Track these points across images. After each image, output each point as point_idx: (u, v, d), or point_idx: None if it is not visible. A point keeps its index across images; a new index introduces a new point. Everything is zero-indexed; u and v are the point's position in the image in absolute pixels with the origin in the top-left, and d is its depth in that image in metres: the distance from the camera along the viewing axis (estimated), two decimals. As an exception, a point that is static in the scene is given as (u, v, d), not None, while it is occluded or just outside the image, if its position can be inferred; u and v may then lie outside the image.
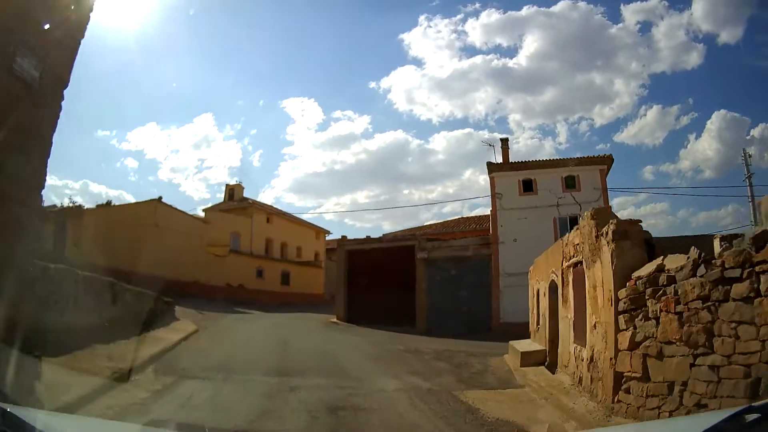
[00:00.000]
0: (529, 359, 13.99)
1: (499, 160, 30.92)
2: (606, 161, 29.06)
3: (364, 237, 31.73)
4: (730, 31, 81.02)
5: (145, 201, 37.15)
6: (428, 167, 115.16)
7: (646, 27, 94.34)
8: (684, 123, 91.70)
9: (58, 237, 37.48)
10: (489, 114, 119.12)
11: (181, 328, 18.66)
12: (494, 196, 29.04)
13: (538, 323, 16.06)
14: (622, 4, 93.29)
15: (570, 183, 28.47)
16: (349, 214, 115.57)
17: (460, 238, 30.56)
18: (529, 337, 17.16)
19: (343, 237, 31.21)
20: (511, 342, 16.51)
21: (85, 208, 35.85)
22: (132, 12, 60.90)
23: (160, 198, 37.44)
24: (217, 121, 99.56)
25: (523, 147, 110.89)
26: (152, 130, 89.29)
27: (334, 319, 29.35)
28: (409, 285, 28.45)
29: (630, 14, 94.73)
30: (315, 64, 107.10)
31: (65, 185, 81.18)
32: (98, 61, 64.77)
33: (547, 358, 13.58)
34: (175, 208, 38.45)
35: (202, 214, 43.84)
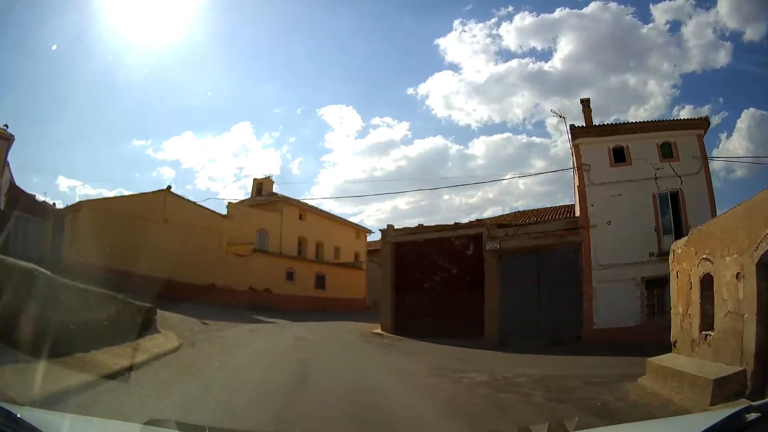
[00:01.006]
0: (723, 389, 7.71)
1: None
2: (703, 125, 22.16)
3: (416, 225, 25.00)
4: (755, 27, 78.63)
5: (152, 192, 31.45)
6: (468, 172, 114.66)
7: (675, 26, 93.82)
8: (715, 123, 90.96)
9: (56, 236, 32.37)
10: (527, 118, 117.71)
11: (151, 345, 12.58)
12: (581, 167, 22.05)
13: (705, 327, 9.53)
14: (651, 4, 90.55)
15: (666, 151, 21.65)
16: (392, 218, 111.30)
17: (538, 223, 23.43)
18: (670, 349, 11.41)
19: (389, 226, 24.57)
20: (653, 359, 10.84)
21: (82, 201, 30.29)
22: (166, 21, 60.55)
23: (170, 188, 31.75)
24: (255, 130, 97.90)
25: (561, 150, 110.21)
26: (188, 139, 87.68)
27: (378, 330, 22.83)
28: (474, 285, 21.83)
29: (659, 13, 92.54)
30: (352, 71, 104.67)
31: (99, 194, 78.91)
32: (132, 71, 62.00)
33: (749, 385, 7.63)
34: (189, 200, 32.77)
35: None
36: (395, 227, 24.31)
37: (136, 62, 61.97)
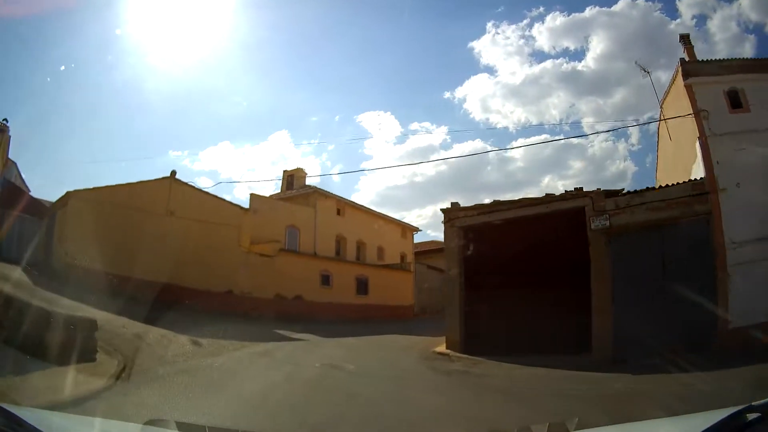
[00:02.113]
0: None
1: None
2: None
3: (491, 201, 18.30)
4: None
5: (154, 180, 25.78)
6: (508, 175, 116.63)
7: (701, 20, 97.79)
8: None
9: (48, 235, 27.25)
10: (563, 119, 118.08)
11: (44, 385, 6.59)
12: (698, 114, 15.45)
13: None
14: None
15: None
16: (433, 224, 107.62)
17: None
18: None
19: (454, 204, 17.71)
20: None
21: (69, 192, 24.84)
22: (199, 32, 58.08)
23: (174, 173, 26.02)
24: (293, 138, 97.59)
25: (598, 150, 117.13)
26: (226, 149, 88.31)
27: (441, 348, 16.39)
28: (575, 279, 15.11)
29: (685, 8, 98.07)
30: (388, 77, 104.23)
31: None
32: (166, 82, 60.04)
33: None
34: (201, 190, 26.96)
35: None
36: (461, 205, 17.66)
37: (169, 73, 59.90)
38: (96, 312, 13.23)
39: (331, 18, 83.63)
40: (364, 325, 26.53)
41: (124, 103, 72.34)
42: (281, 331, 19.67)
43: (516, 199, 17.04)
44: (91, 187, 24.77)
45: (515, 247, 16.80)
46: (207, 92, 76.79)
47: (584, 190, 16.13)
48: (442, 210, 17.09)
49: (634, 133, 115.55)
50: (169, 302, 18.45)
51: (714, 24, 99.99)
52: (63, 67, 54.81)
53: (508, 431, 6.64)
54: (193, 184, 25.56)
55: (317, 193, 35.02)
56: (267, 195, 33.34)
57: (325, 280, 30.32)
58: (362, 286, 32.98)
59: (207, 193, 27.06)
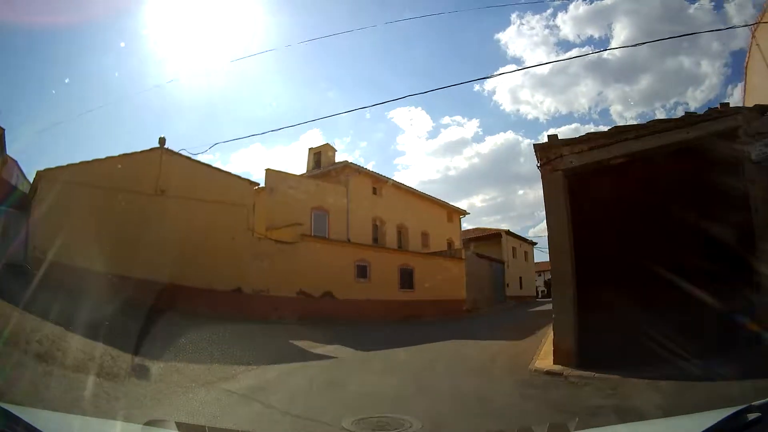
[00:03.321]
0: None
1: None
2: None
3: (608, 129, 11.42)
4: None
5: (140, 152, 20.04)
6: None
7: (719, 3, 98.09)
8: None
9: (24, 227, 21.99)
10: (592, 107, 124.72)
11: None
12: None
13: None
14: None
15: None
16: (466, 218, 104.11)
17: None
18: None
19: (552, 137, 10.64)
20: None
21: (40, 172, 19.27)
22: (227, 33, 56.83)
23: (163, 142, 20.30)
24: (326, 137, 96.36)
25: None
26: (257, 150, 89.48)
27: (546, 363, 10.09)
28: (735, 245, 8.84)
29: None
30: (417, 72, 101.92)
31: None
32: (196, 88, 58.46)
33: None
34: (201, 163, 21.06)
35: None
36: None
37: (199, 76, 58.49)
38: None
39: (357, 16, 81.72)
40: (411, 328, 20.66)
41: (152, 107, 71.83)
42: (300, 343, 13.88)
43: (637, 124, 10.56)
44: (65, 164, 19.25)
45: (640, 201, 10.75)
46: (237, 94, 74.39)
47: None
48: (537, 147, 10.64)
49: (659, 117, 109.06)
50: (160, 305, 13.76)
51: (732, 6, 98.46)
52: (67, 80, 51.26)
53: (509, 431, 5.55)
54: (190, 156, 19.88)
55: (349, 168, 29.22)
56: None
57: (362, 271, 24.42)
58: (407, 279, 26.96)
59: (208, 166, 21.36)
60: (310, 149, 33.43)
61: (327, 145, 32.90)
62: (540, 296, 53.48)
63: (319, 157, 31.82)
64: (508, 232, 47.61)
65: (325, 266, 22.37)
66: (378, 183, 31.20)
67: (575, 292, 10.23)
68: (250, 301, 19.53)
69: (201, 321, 14.19)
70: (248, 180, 22.27)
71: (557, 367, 9.67)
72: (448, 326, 21.57)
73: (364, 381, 9.15)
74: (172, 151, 20.13)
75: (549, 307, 33.28)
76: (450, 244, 37.17)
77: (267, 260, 20.59)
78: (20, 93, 53.55)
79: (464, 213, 41.10)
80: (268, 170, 25.35)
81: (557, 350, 10.02)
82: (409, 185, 35.04)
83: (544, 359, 10.70)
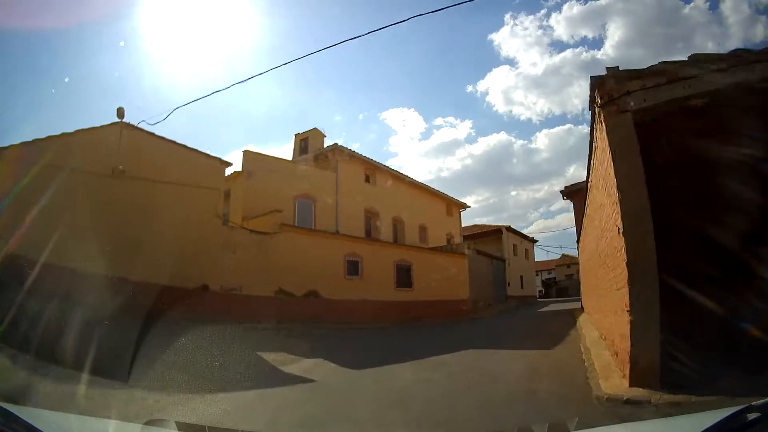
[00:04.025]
0: None
1: None
2: None
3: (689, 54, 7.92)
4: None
5: (97, 128, 16.51)
6: (533, 167, 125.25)
7: (714, 3, 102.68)
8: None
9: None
10: (585, 108, 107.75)
11: None
12: None
13: None
14: None
15: None
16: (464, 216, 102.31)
17: None
18: None
19: (612, 69, 7.22)
20: None
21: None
22: (218, 35, 56.27)
23: (121, 113, 16.79)
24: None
25: None
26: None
27: (620, 385, 6.92)
28: None
29: None
30: (410, 73, 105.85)
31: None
32: (188, 88, 56.35)
33: None
34: (162, 138, 17.57)
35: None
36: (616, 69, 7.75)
37: (192, 77, 56.08)
38: None
39: (350, 17, 79.44)
40: (412, 333, 17.51)
41: (144, 109, 69.58)
42: (272, 356, 10.59)
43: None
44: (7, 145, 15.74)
45: (723, 160, 7.77)
46: (231, 95, 72.90)
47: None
48: (596, 82, 7.34)
49: None
50: (107, 303, 11.03)
51: (727, 6, 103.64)
52: (67, 79, 47.86)
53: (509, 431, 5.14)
54: (154, 133, 16.56)
55: (339, 151, 25.95)
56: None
57: (353, 267, 21.14)
58: (404, 276, 23.71)
59: (172, 142, 17.95)
60: (296, 135, 30.05)
61: (315, 130, 29.54)
62: (539, 296, 51.07)
63: (306, 143, 28.49)
64: (508, 228, 44.58)
65: (309, 261, 19.09)
66: (371, 170, 27.97)
67: (655, 287, 7.03)
68: (219, 301, 16.22)
69: (152, 324, 10.96)
70: (218, 159, 18.94)
71: (638, 392, 6.45)
72: (455, 330, 18.46)
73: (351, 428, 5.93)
74: (132, 125, 16.72)
75: (556, 307, 30.31)
76: (449, 239, 34.08)
77: (240, 253, 17.31)
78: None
79: (464, 206, 37.96)
80: (246, 152, 22.08)
81: (636, 366, 6.74)
82: (406, 174, 31.75)
83: (608, 378, 7.49)
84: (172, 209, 16.05)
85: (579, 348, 11.00)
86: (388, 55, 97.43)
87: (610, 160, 7.27)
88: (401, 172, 30.26)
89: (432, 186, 34.87)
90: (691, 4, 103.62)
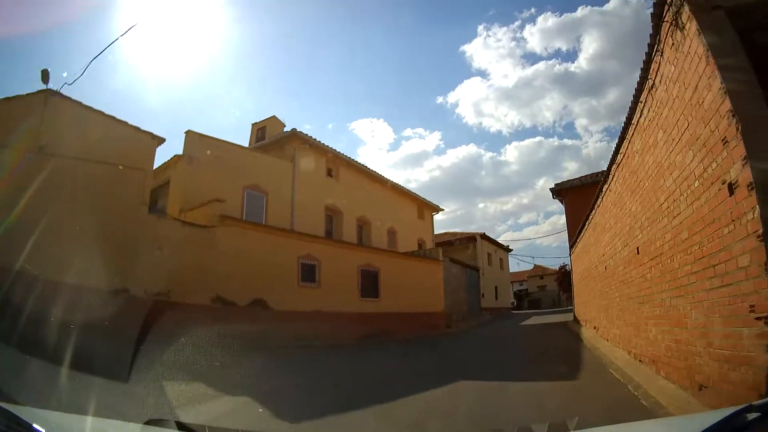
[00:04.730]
0: None
1: None
2: None
3: None
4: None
5: (18, 97, 13.33)
6: (502, 179, 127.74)
7: None
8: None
9: None
10: (556, 121, 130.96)
11: None
12: None
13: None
14: None
15: None
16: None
17: None
18: None
19: None
20: None
21: None
22: (190, 42, 54.09)
23: (46, 76, 13.57)
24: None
25: (592, 151, 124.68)
26: None
27: None
28: None
29: None
30: (380, 83, 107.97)
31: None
32: (155, 93, 49.98)
33: None
34: (91, 108, 14.35)
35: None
36: None
37: (159, 82, 50.61)
38: None
39: (323, 28, 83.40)
40: (379, 353, 14.85)
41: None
42: (180, 389, 7.70)
43: None
44: None
45: None
46: (199, 102, 71.77)
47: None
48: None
49: None
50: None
51: None
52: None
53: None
54: (81, 102, 13.52)
55: (297, 138, 23.11)
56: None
57: (309, 272, 18.22)
58: (370, 284, 20.91)
59: (100, 113, 14.74)
60: (253, 125, 27.22)
61: (273, 118, 26.71)
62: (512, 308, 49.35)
63: (264, 133, 25.60)
64: (483, 236, 42.49)
65: (255, 263, 16.17)
66: (335, 163, 25.15)
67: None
68: (139, 309, 13.17)
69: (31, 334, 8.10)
70: (149, 133, 15.80)
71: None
72: (434, 349, 15.84)
73: None
74: (58, 93, 13.52)
75: (541, 320, 27.74)
76: (421, 244, 31.44)
77: (170, 250, 14.27)
78: None
79: (438, 209, 35.42)
80: (189, 133, 18.99)
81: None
82: (374, 169, 29.06)
83: None
84: (93, 194, 13.03)
85: (612, 375, 8.47)
86: (361, 65, 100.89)
87: (707, 79, 4.75)
88: (369, 167, 27.51)
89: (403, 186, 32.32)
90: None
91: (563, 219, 24.79)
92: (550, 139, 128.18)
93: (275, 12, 66.07)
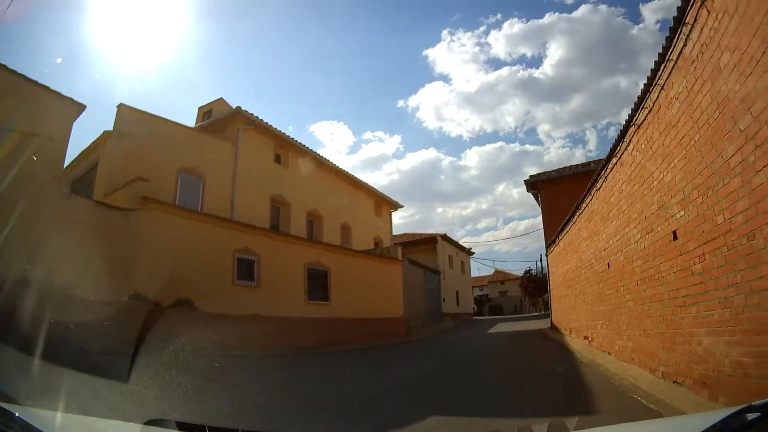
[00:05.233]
0: None
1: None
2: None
3: None
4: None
5: None
6: (462, 184, 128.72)
7: (665, 25, 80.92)
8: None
9: None
10: (518, 126, 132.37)
11: None
12: None
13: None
14: (641, 4, 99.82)
15: None
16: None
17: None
18: None
19: None
20: None
21: None
22: (147, 43, 51.08)
23: None
24: None
25: (554, 157, 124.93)
26: None
27: None
28: None
29: (649, 13, 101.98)
30: (341, 86, 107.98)
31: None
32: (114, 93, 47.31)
33: None
34: (4, 67, 12.09)
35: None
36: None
37: (118, 84, 47.91)
38: None
39: (283, 29, 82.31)
40: (329, 368, 13.08)
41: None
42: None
43: None
44: None
45: None
46: (154, 104, 69.75)
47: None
48: None
49: (592, 139, 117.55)
50: None
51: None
52: None
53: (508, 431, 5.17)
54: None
55: (242, 118, 21.03)
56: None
57: (246, 269, 16.14)
58: (319, 285, 18.96)
59: (14, 72, 12.40)
60: (199, 108, 25.03)
61: (221, 100, 24.59)
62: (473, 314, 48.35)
63: (210, 115, 23.39)
64: (444, 237, 41.04)
65: (183, 256, 14.04)
66: (284, 148, 23.12)
67: None
68: (35, 306, 10.93)
69: None
70: (70, 99, 13.49)
71: None
72: (393, 364, 14.05)
73: None
74: None
75: (510, 327, 26.34)
76: (378, 243, 29.63)
77: (82, 235, 12.12)
78: None
79: (397, 206, 33.66)
80: (121, 106, 16.82)
81: None
82: (328, 158, 27.11)
83: None
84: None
85: (641, 404, 6.64)
86: (322, 67, 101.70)
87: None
88: (322, 155, 25.51)
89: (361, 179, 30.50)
90: (641, 25, 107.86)
91: (523, 225, 23.88)
92: (512, 145, 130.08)
93: (235, 12, 64.74)
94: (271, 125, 21.88)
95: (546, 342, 17.88)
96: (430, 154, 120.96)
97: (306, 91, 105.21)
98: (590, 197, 12.35)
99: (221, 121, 21.25)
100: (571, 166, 23.49)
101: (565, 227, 16.37)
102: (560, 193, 20.91)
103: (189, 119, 60.32)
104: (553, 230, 19.73)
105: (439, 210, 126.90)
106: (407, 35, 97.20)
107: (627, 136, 8.82)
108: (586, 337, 14.06)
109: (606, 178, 10.68)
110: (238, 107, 20.82)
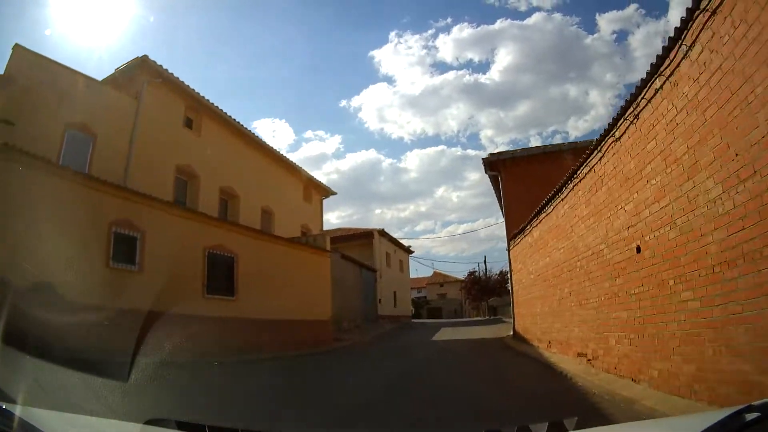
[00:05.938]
0: None
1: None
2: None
3: None
4: (705, 36, 68.71)
5: None
6: (401, 186, 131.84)
7: (622, 36, 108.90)
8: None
9: None
10: (461, 130, 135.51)
11: None
12: None
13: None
14: (597, 14, 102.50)
15: None
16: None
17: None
18: None
19: None
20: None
21: None
22: (84, 38, 42.43)
23: None
24: None
25: None
26: None
27: None
28: None
29: (606, 24, 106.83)
30: (284, 83, 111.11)
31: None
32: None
33: None
34: None
35: None
36: None
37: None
38: None
39: (227, 25, 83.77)
40: (228, 388, 10.70)
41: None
42: None
43: None
44: None
45: None
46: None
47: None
48: None
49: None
50: None
51: (636, 39, 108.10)
52: None
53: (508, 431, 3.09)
54: None
55: (147, 69, 18.27)
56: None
57: (125, 248, 13.22)
58: (222, 275, 16.27)
59: None
60: (116, 69, 21.95)
61: (145, 57, 21.57)
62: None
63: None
64: (382, 233, 39.10)
65: (48, 226, 11.23)
66: (197, 112, 20.42)
67: None
68: None
69: None
70: None
71: None
72: (315, 381, 11.67)
73: None
74: None
75: (452, 335, 23.04)
76: (305, 233, 27.11)
77: None
78: None
79: (330, 192, 31.30)
80: (17, 47, 14.45)
81: None
82: (250, 129, 24.47)
83: None
84: None
85: None
86: (264, 64, 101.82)
87: None
88: (243, 125, 22.74)
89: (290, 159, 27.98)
90: (595, 35, 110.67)
91: (461, 228, 22.16)
92: (453, 149, 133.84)
93: (175, 4, 62.29)
94: (183, 82, 19.10)
95: (517, 358, 15.42)
96: (371, 155, 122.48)
97: (248, 87, 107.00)
98: (599, 155, 9.79)
99: (126, 71, 18.30)
100: (539, 146, 22.12)
101: (544, 209, 14.15)
102: (526, 177, 19.52)
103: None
104: (515, 220, 17.98)
105: (378, 211, 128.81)
106: (354, 35, 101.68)
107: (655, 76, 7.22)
108: (581, 354, 11.37)
109: (637, 116, 8.08)
110: (145, 56, 17.95)
